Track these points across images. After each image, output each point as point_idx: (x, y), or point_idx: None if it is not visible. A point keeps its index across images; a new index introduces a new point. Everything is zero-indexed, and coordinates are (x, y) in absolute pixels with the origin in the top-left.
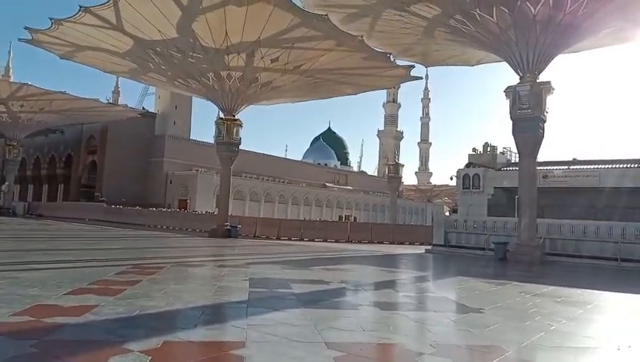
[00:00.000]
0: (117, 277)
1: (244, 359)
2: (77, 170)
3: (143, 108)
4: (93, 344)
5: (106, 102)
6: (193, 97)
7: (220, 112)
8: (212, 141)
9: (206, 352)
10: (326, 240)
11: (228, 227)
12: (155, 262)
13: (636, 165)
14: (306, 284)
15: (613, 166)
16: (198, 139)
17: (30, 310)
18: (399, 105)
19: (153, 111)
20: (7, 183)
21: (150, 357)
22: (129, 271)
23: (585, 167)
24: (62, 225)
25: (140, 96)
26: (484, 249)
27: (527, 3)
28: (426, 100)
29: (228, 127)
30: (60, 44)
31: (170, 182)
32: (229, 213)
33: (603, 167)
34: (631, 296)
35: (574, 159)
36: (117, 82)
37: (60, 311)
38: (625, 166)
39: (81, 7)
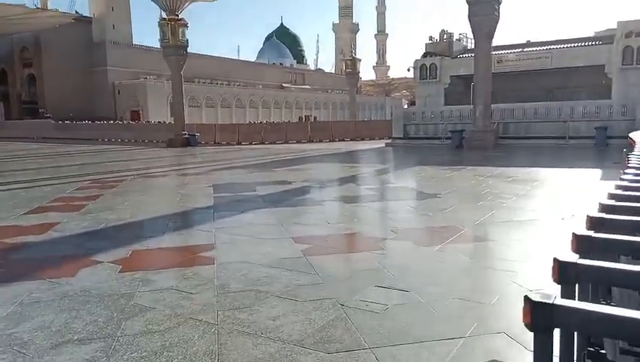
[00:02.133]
0: (78, 193)
1: (215, 259)
2: (14, 86)
3: (77, 12)
4: (61, 259)
5: (34, 7)
6: None
7: (162, 12)
8: (158, 46)
9: (177, 257)
10: (287, 142)
11: (186, 135)
12: (115, 175)
13: (585, 43)
14: (270, 185)
15: (564, 46)
16: (143, 44)
17: None
18: None
19: (88, 15)
20: None
21: (121, 266)
22: (89, 186)
23: (537, 48)
24: (9, 146)
25: None
26: (441, 138)
27: None
28: None
29: (172, 28)
30: None
31: (119, 93)
32: (186, 122)
33: (554, 47)
34: (576, 170)
35: (528, 41)
36: None
37: (22, 230)
38: (576, 45)
39: None
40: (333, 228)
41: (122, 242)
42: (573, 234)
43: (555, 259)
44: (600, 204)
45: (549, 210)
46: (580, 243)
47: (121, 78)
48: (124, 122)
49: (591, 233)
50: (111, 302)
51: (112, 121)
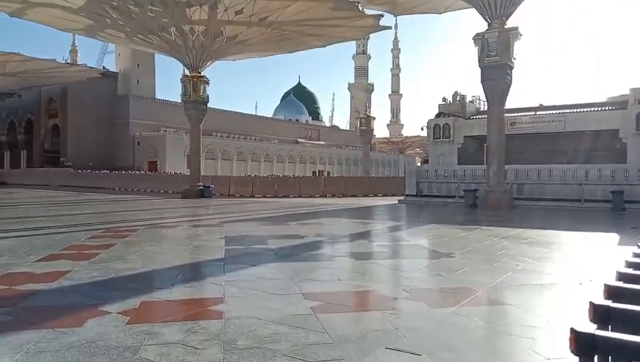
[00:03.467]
0: (90, 242)
1: (224, 313)
2: (39, 135)
3: (104, 67)
4: (70, 308)
5: (64, 62)
6: (156, 54)
7: (185, 69)
8: (179, 100)
9: (185, 309)
10: (300, 196)
11: (201, 187)
12: (129, 224)
13: (598, 108)
14: (281, 239)
15: (578, 110)
16: (165, 98)
17: (2, 278)
18: (369, 57)
19: (114, 70)
20: None
21: (128, 318)
22: (102, 235)
23: (550, 112)
24: (28, 193)
25: (99, 54)
26: (454, 196)
27: None
28: (395, 51)
29: (194, 84)
30: (8, 0)
31: (138, 144)
32: (201, 173)
33: (568, 111)
34: (592, 233)
35: (541, 105)
36: (74, 40)
37: (33, 277)
38: (588, 110)
39: None
40: (344, 285)
41: (131, 293)
42: (591, 303)
43: (572, 330)
44: (617, 272)
45: (567, 274)
46: (598, 313)
47: (141, 130)
48: (142, 172)
49: (609, 303)
50: (116, 355)
51: (129, 171)
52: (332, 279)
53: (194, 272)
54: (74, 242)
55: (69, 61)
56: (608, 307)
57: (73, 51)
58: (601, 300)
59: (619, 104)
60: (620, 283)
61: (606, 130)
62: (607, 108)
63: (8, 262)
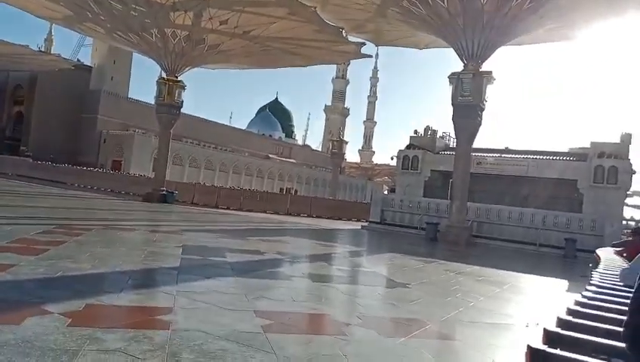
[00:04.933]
0: (40, 237)
1: (171, 324)
2: (0, 121)
3: (78, 60)
4: (9, 304)
5: (37, 49)
6: (134, 53)
7: (162, 72)
8: (152, 101)
9: (131, 317)
10: (265, 212)
11: (164, 192)
12: (84, 223)
13: (561, 157)
14: (241, 254)
15: (540, 157)
16: (138, 98)
17: None
18: (348, 82)
19: (89, 64)
20: None
21: (70, 320)
22: (54, 230)
23: (515, 156)
24: None
25: (75, 46)
26: (417, 228)
27: None
28: (374, 79)
29: (170, 88)
30: None
31: (104, 141)
32: (166, 178)
33: (531, 157)
34: (544, 278)
35: (506, 148)
36: (50, 30)
37: None
38: (551, 158)
39: None
40: (297, 306)
41: (77, 294)
42: (528, 346)
43: None
44: (558, 318)
45: (516, 315)
46: (534, 358)
47: (109, 127)
48: (104, 171)
49: (545, 348)
50: (52, 358)
51: (92, 169)
52: (286, 299)
53: (146, 279)
54: (23, 235)
55: (42, 49)
56: (544, 352)
57: (49, 40)
58: (539, 344)
59: (579, 155)
60: (559, 330)
61: (565, 179)
62: (568, 158)
63: None
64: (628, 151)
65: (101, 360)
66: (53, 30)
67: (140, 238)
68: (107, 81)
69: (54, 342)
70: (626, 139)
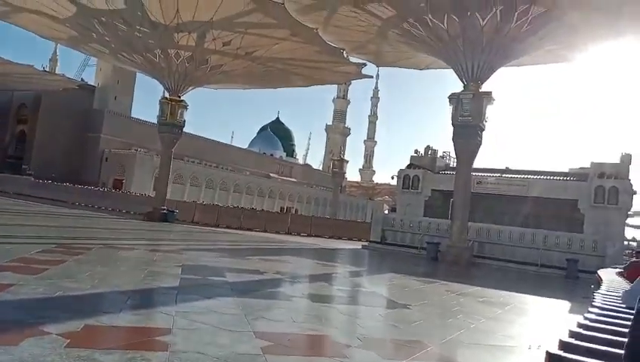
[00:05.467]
0: (40, 256)
1: (169, 346)
2: (3, 140)
3: (82, 80)
4: (7, 324)
5: (42, 69)
6: (137, 73)
7: (165, 92)
8: (154, 121)
9: (129, 338)
10: (266, 231)
11: (165, 211)
12: (84, 242)
13: (561, 178)
14: (240, 274)
15: (541, 177)
16: (140, 118)
17: None
18: (349, 102)
19: (93, 84)
20: None
21: (68, 341)
22: (54, 250)
23: (515, 176)
24: None
25: (79, 66)
26: (417, 248)
27: (477, 14)
28: (375, 99)
29: (172, 107)
30: None
31: (106, 160)
32: (167, 197)
33: (532, 177)
34: (546, 299)
35: (507, 168)
36: (55, 50)
37: None
38: (551, 178)
39: None
40: (297, 327)
41: (76, 314)
42: None
43: None
44: (560, 341)
45: (518, 337)
46: None
47: (112, 146)
48: (105, 190)
49: None
50: None
51: (93, 187)
52: (286, 320)
53: (144, 299)
54: (23, 254)
55: (47, 69)
56: None
57: (53, 60)
58: None
59: (579, 176)
60: (561, 352)
61: (566, 200)
62: (568, 178)
63: None
64: (628, 172)
65: None
66: (57, 50)
67: (139, 257)
68: (111, 101)
69: None
70: (626, 159)
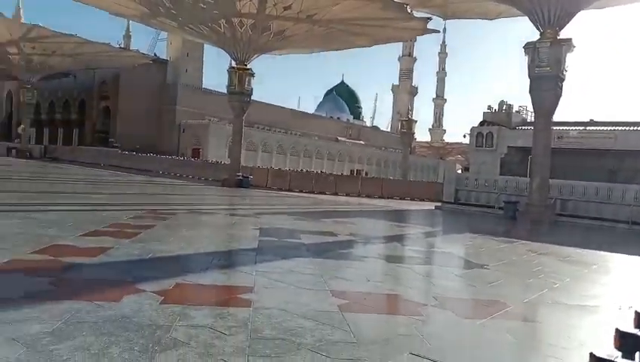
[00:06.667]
0: (132, 221)
1: (253, 302)
2: (91, 116)
3: (155, 54)
4: (108, 283)
5: (118, 46)
6: (205, 45)
7: (232, 61)
8: (224, 90)
9: (216, 295)
10: (337, 194)
11: (240, 177)
12: (169, 208)
13: None
14: (315, 235)
15: (630, 128)
16: (211, 88)
17: (48, 249)
18: (415, 59)
19: (165, 57)
20: (22, 126)
21: (162, 298)
22: (144, 215)
23: (601, 128)
24: (78, 169)
25: (151, 41)
26: (493, 207)
27: None
28: (442, 55)
29: (240, 76)
30: None
31: (183, 131)
32: (241, 164)
33: (620, 128)
34: (637, 258)
35: (591, 120)
36: (128, 26)
37: (77, 251)
38: None
39: None
40: (373, 286)
41: (167, 274)
42: (617, 330)
43: (591, 355)
44: None
45: (606, 297)
46: (623, 341)
47: (187, 117)
48: (185, 158)
49: (637, 331)
50: (149, 332)
51: (173, 156)
52: (361, 279)
53: (227, 260)
54: (117, 220)
55: (122, 45)
56: (635, 335)
57: (127, 36)
58: (629, 328)
59: None
60: None
61: None
62: None
63: (55, 235)
64: None
65: (191, 336)
66: (130, 27)
67: (220, 221)
68: (182, 73)
69: (149, 318)
70: None
